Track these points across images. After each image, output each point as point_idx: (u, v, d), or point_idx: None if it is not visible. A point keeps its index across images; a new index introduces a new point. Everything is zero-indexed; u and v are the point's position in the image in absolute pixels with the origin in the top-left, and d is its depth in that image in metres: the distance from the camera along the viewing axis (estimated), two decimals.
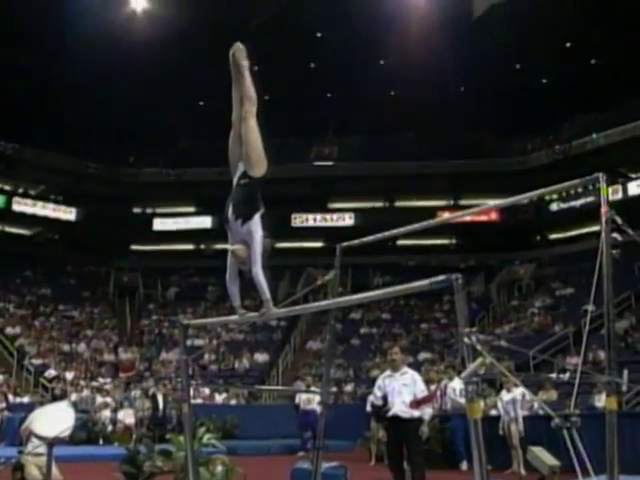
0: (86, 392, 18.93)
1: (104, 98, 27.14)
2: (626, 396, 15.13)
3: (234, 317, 5.18)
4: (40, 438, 7.58)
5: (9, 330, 24.25)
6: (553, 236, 32.20)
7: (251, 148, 4.89)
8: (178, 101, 29.06)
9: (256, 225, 4.87)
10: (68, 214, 31.78)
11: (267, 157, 4.97)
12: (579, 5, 24.17)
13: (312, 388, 15.19)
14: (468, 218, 27.92)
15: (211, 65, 27.28)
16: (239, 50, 5.13)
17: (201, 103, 31.70)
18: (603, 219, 4.24)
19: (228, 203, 5.01)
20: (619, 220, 4.25)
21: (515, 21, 24.68)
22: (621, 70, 25.72)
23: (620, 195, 27.15)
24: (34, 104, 26.83)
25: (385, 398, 7.93)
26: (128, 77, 26.75)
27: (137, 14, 26.05)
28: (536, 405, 12.10)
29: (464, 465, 11.87)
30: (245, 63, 5.12)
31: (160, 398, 17.83)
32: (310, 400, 15.30)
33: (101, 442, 16.44)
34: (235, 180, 5.03)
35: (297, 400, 16.56)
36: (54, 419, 7.64)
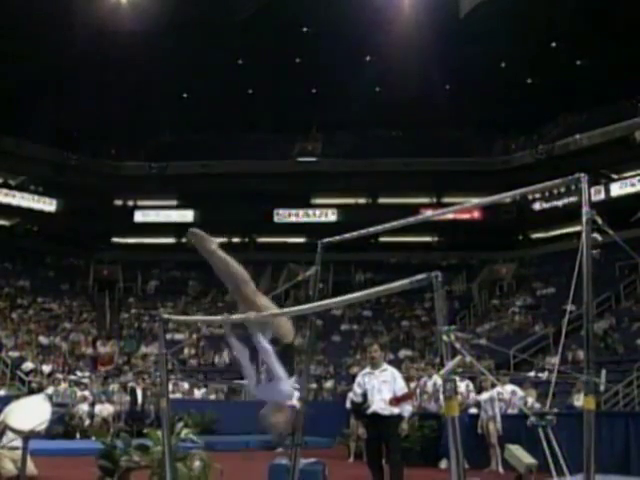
0: (64, 385, 18.77)
1: (87, 89, 26.91)
2: (604, 396, 15.26)
3: (219, 317, 4.73)
4: (15, 431, 7.49)
5: None
6: (535, 236, 32.38)
7: (271, 325, 4.23)
8: (161, 93, 28.89)
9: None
10: (48, 205, 31.49)
11: (290, 323, 4.35)
12: (565, 5, 24.28)
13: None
14: (450, 216, 28.06)
15: (195, 57, 27.36)
16: (195, 238, 4.20)
17: (184, 95, 31.54)
18: (584, 219, 4.23)
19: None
20: (600, 221, 4.24)
21: (501, 20, 24.73)
22: (606, 71, 25.87)
23: (602, 196, 27.37)
24: (15, 94, 26.56)
25: (365, 395, 7.92)
26: (111, 68, 26.55)
27: (122, 4, 25.82)
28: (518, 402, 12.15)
29: (444, 463, 11.89)
30: (210, 249, 4.21)
31: (139, 392, 17.74)
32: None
33: (78, 436, 16.31)
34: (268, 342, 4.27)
35: None
36: (30, 412, 7.53)
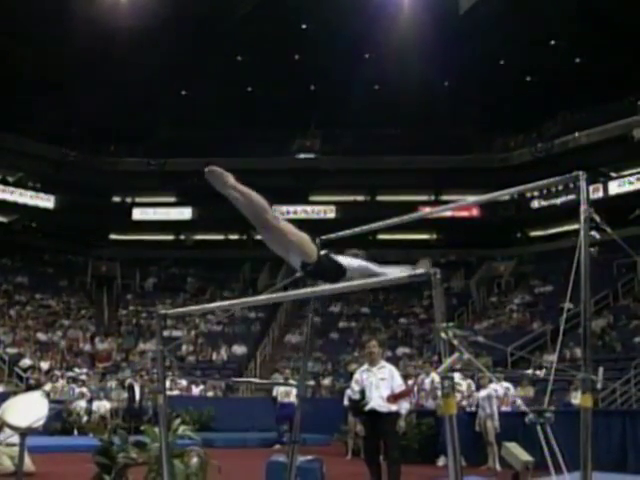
0: (61, 382, 18.78)
1: (85, 85, 26.88)
2: (602, 394, 15.28)
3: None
4: (12, 428, 7.47)
5: None
6: (533, 233, 32.39)
7: (294, 245, 4.40)
8: (160, 90, 28.84)
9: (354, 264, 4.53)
10: (46, 202, 31.42)
11: (308, 238, 4.40)
12: (564, 3, 24.26)
13: (290, 381, 15.18)
14: (449, 214, 28.03)
15: (194, 54, 27.32)
16: (213, 177, 4.28)
17: (183, 92, 31.49)
18: (582, 217, 4.23)
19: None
20: (598, 218, 4.23)
21: (500, 18, 24.73)
22: (605, 69, 25.87)
23: (601, 194, 27.36)
24: (14, 90, 26.51)
25: (363, 392, 7.91)
26: (110, 64, 26.50)
27: (121, 1, 25.77)
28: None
29: (441, 460, 11.90)
30: (229, 183, 4.28)
31: (137, 389, 17.74)
32: (288, 393, 15.28)
33: (76, 433, 16.32)
34: (299, 270, 4.53)
35: (275, 393, 16.54)
36: (27, 409, 7.52)
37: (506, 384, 12.60)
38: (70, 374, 19.99)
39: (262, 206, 4.38)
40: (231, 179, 4.24)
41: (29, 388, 16.64)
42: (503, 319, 24.70)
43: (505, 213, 30.76)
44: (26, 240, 30.58)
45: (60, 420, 16.25)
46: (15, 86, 26.50)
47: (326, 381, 21.80)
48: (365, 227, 5.94)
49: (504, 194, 5.62)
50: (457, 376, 12.57)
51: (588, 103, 27.60)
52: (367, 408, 7.85)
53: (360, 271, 4.39)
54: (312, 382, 20.06)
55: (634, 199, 26.67)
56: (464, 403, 12.74)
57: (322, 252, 4.46)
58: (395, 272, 4.32)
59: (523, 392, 15.64)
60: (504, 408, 12.17)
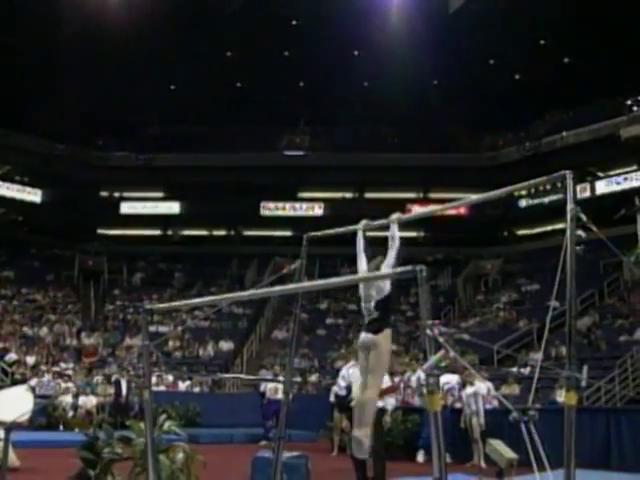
0: (47, 377, 18.70)
1: (74, 79, 26.69)
2: (586, 392, 15.38)
3: None
4: None
5: None
6: (521, 232, 32.49)
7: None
8: (149, 85, 28.69)
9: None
10: (33, 196, 31.21)
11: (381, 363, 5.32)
12: (553, 3, 24.33)
13: (280, 377, 15.17)
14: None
15: (183, 49, 27.21)
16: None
17: (172, 87, 31.37)
18: (568, 216, 4.25)
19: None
20: (584, 218, 4.26)
21: (490, 17, 24.76)
22: (593, 69, 25.94)
23: (588, 193, 27.49)
24: (2, 84, 26.31)
25: (349, 388, 7.95)
26: (98, 59, 26.35)
27: None
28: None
29: (420, 456, 11.97)
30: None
31: (123, 384, 17.69)
32: (277, 389, 15.28)
33: (61, 428, 16.27)
34: None
35: (262, 389, 16.54)
36: (12, 403, 7.48)
37: (488, 383, 12.67)
38: (56, 369, 19.91)
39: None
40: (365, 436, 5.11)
41: (14, 383, 16.57)
42: (490, 317, 24.80)
43: (492, 212, 30.81)
44: (12, 234, 30.34)
45: (45, 415, 16.21)
46: (4, 80, 26.28)
47: (313, 378, 21.82)
48: (351, 226, 5.98)
49: (493, 196, 5.64)
50: (455, 379, 12.67)
51: (576, 102, 27.70)
52: (353, 403, 7.87)
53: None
54: (298, 379, 20.07)
55: (621, 199, 26.80)
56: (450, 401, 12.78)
57: (375, 314, 5.19)
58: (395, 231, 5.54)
59: (509, 390, 15.73)
60: (487, 406, 12.25)
